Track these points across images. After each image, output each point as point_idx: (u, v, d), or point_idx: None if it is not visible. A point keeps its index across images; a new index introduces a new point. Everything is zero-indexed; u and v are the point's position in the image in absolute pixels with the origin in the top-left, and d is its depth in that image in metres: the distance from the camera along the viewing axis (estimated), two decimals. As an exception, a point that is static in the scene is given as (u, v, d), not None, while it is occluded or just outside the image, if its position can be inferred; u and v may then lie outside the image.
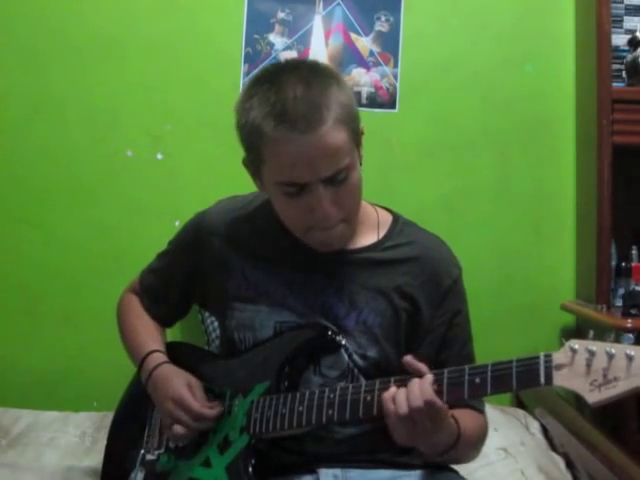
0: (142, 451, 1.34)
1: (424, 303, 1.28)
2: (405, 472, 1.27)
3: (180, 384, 1.27)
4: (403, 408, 1.06)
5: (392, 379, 1.11)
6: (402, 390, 1.07)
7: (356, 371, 1.26)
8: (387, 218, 1.35)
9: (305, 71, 1.17)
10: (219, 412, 1.26)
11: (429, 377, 1.07)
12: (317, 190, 1.14)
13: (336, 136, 1.13)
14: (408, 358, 1.10)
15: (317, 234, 1.21)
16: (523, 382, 1.00)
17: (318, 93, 1.13)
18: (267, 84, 1.15)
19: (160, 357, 1.35)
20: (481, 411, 1.31)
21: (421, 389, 1.06)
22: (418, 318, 1.28)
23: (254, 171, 1.23)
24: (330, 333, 1.24)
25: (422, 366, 1.09)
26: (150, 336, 1.41)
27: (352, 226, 1.25)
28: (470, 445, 1.24)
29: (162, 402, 1.28)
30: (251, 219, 1.35)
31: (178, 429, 1.25)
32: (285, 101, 1.11)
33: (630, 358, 0.92)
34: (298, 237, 1.25)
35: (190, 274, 1.40)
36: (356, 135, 1.19)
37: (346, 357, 1.26)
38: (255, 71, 2.28)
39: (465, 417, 1.21)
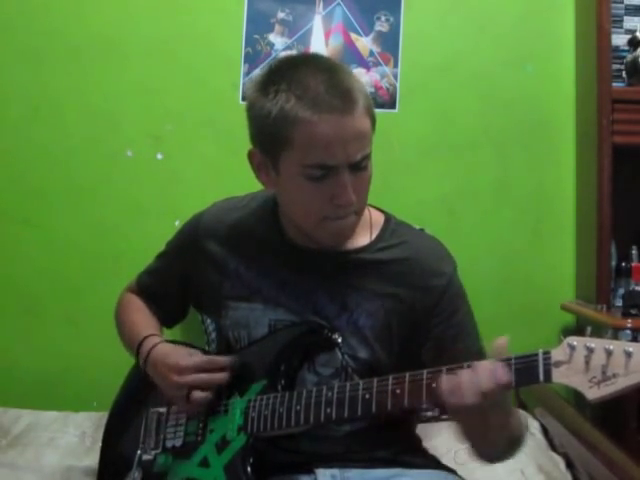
0: (139, 451, 1.33)
1: (418, 304, 1.26)
2: (403, 470, 1.27)
3: (179, 354, 1.27)
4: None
5: (390, 377, 1.10)
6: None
7: (350, 370, 1.25)
8: (379, 219, 1.34)
9: (324, 62, 1.20)
10: (230, 359, 1.25)
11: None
12: (343, 174, 1.15)
13: (365, 121, 1.16)
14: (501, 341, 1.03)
15: (330, 224, 1.20)
16: (522, 379, 0.99)
17: (345, 80, 1.15)
18: (290, 71, 1.15)
19: (157, 339, 1.34)
20: None
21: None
22: (412, 319, 1.26)
23: (268, 160, 1.20)
24: (326, 331, 1.24)
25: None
26: (148, 325, 1.40)
27: (359, 220, 1.25)
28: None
29: (166, 378, 1.25)
30: (247, 220, 1.35)
31: (197, 394, 1.22)
32: (317, 85, 1.12)
33: (629, 354, 0.92)
34: (307, 231, 1.24)
35: (186, 275, 1.40)
36: (374, 126, 1.20)
37: (340, 355, 1.25)
38: (256, 70, 2.34)
39: None
